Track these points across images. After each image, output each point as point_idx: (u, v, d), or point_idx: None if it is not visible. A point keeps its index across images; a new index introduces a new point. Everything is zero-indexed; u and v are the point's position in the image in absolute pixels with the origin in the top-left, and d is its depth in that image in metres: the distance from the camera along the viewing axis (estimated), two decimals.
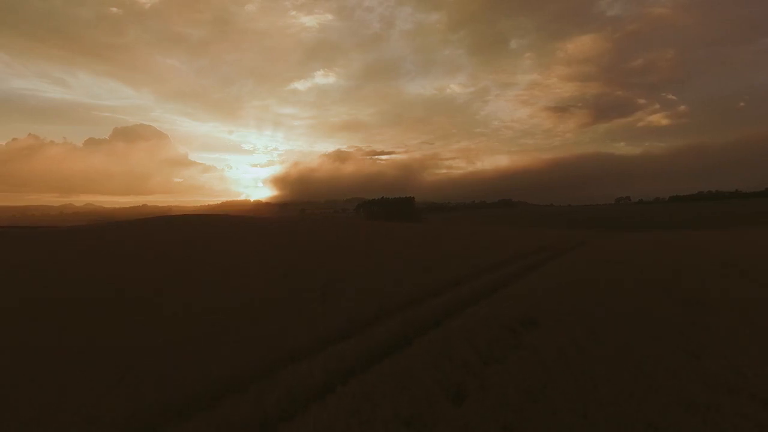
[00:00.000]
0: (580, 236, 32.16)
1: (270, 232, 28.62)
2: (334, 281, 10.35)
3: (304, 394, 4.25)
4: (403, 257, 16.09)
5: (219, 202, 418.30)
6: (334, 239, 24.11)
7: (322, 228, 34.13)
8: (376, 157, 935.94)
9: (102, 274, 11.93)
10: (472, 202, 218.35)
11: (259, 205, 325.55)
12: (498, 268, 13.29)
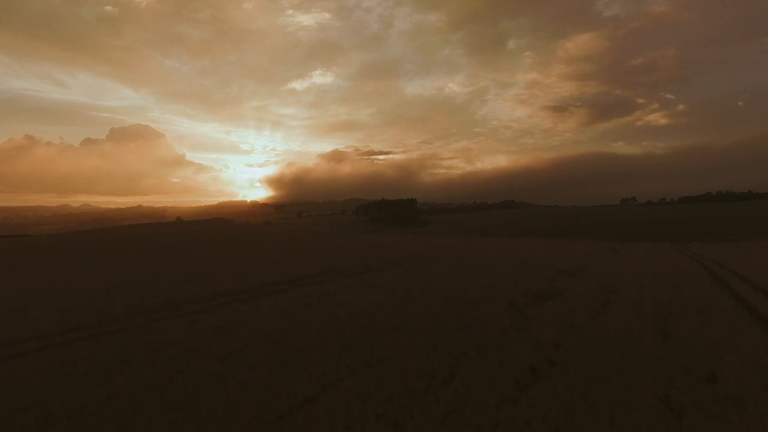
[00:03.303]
0: None
1: None
2: None
3: None
4: None
5: (216, 203, 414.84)
6: None
7: None
8: (374, 157, 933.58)
9: None
10: (474, 202, 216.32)
11: (255, 206, 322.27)
12: None
